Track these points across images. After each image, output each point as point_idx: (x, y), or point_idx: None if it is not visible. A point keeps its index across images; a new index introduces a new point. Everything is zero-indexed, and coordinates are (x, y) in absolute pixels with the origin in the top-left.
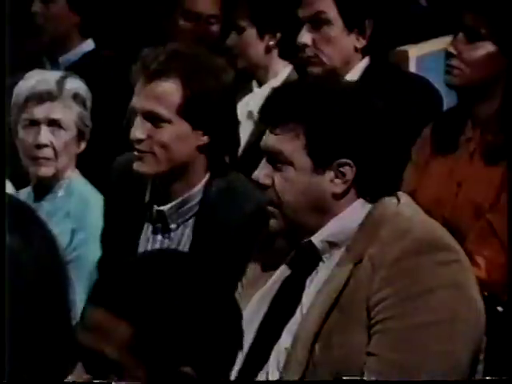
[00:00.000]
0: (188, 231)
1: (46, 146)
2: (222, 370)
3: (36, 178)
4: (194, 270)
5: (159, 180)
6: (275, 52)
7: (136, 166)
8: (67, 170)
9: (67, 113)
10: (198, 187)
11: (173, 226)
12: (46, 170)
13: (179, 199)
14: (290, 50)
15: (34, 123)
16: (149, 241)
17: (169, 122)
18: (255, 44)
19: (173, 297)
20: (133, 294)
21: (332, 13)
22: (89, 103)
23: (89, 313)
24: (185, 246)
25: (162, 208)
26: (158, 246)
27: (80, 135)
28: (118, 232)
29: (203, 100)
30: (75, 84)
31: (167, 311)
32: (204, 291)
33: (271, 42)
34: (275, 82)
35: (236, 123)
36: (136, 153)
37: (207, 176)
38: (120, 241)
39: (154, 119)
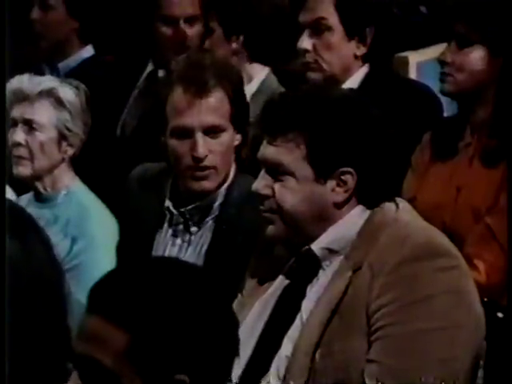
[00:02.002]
0: (207, 235)
1: (20, 144)
2: (218, 377)
3: (16, 177)
4: (189, 277)
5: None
6: (244, 55)
7: (198, 185)
8: (64, 176)
9: (43, 114)
10: (221, 190)
11: (193, 228)
12: (23, 170)
13: (201, 201)
14: (264, 54)
15: (14, 123)
16: (168, 245)
17: (225, 130)
18: (222, 45)
19: (168, 304)
20: (128, 302)
21: (333, 19)
22: (76, 108)
23: (84, 321)
24: (202, 249)
25: (182, 209)
26: (177, 249)
27: (62, 138)
28: (136, 238)
29: (242, 102)
30: (59, 89)
31: (163, 319)
32: (199, 299)
33: (235, 44)
34: (250, 86)
35: None
36: (199, 172)
37: (230, 178)
38: (139, 246)
39: (215, 132)
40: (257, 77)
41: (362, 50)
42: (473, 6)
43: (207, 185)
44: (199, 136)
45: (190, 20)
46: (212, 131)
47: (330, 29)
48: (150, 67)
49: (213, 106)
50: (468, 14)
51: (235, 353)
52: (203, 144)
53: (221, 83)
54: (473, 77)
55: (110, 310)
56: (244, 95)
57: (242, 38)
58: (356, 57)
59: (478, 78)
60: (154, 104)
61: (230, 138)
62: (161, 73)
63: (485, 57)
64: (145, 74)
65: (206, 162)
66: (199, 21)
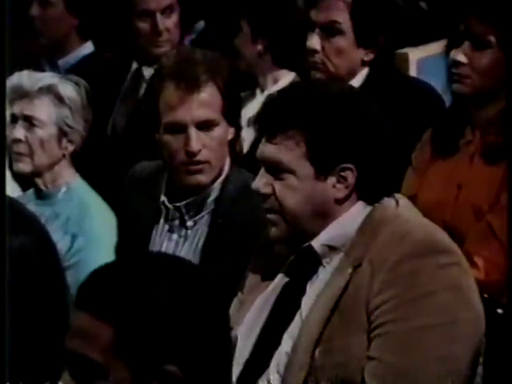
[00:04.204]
0: (203, 229)
1: (20, 141)
2: (212, 370)
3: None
4: (177, 270)
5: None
6: (268, 58)
7: (193, 180)
8: (64, 173)
9: (43, 111)
10: (215, 184)
11: (189, 223)
12: (23, 166)
13: (196, 196)
14: (287, 59)
15: (14, 119)
16: (164, 240)
17: (218, 124)
18: (248, 45)
19: (153, 297)
20: (112, 296)
21: (346, 24)
22: (76, 105)
23: (73, 317)
24: (199, 244)
25: (178, 204)
26: (173, 245)
27: (62, 135)
28: (133, 234)
29: (235, 95)
30: (59, 85)
31: (147, 312)
32: (184, 291)
33: (260, 47)
34: (276, 87)
35: None
36: (193, 166)
37: (225, 172)
38: (136, 243)
39: (208, 126)
40: (282, 80)
41: (369, 56)
42: (491, 6)
43: (202, 179)
44: (192, 131)
45: (167, 11)
46: (205, 126)
47: (342, 33)
48: (134, 65)
49: (205, 101)
50: (486, 15)
51: (226, 343)
52: (196, 138)
53: (212, 78)
54: (490, 79)
55: (96, 305)
56: (237, 89)
57: (266, 40)
58: (363, 62)
59: (494, 81)
60: (144, 101)
61: (224, 132)
62: (145, 70)
63: (501, 59)
64: (130, 73)
65: (199, 157)
66: (175, 10)
